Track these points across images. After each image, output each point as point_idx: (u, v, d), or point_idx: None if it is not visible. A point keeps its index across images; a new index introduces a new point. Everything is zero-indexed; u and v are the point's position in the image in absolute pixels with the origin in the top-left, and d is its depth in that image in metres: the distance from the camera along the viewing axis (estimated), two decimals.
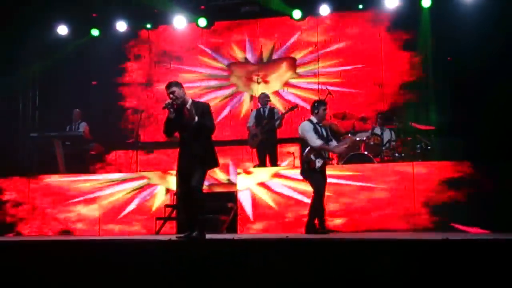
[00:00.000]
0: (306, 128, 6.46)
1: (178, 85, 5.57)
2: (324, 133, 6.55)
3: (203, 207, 5.61)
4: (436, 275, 4.16)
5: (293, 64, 10.52)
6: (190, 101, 5.57)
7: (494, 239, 4.44)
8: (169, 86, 5.55)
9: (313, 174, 6.39)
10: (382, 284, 4.26)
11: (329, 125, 8.72)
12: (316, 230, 6.26)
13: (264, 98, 8.92)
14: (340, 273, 4.41)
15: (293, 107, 8.80)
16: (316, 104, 6.63)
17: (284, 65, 10.56)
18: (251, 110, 8.98)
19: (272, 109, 8.84)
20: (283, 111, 9.10)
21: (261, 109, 8.80)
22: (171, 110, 5.45)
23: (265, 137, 8.52)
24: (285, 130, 9.09)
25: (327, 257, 4.51)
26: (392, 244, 4.70)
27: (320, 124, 6.57)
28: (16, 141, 10.59)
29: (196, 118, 5.43)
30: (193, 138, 5.49)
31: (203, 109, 5.57)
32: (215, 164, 5.69)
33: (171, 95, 5.48)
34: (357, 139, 8.19)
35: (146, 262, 4.79)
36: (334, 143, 6.62)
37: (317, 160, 6.32)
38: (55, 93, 10.67)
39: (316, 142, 6.36)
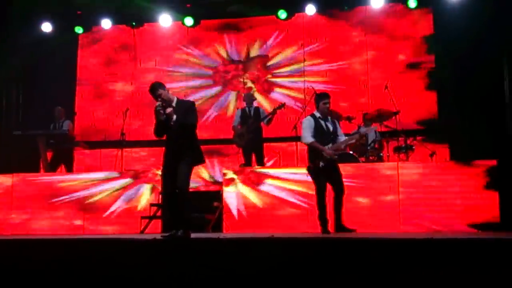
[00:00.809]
0: (303, 124, 6.35)
1: (162, 86, 5.63)
2: (331, 127, 6.36)
3: (189, 206, 5.61)
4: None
5: (278, 63, 10.53)
6: (175, 99, 5.66)
7: (479, 239, 4.48)
8: (153, 89, 5.59)
9: (317, 172, 6.26)
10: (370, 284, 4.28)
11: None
12: (340, 228, 6.27)
13: (249, 98, 8.90)
14: (328, 271, 4.42)
15: (281, 105, 8.80)
16: (316, 98, 6.49)
17: (268, 64, 10.57)
18: (236, 109, 8.97)
19: (257, 109, 8.83)
20: (269, 110, 9.08)
21: (246, 109, 8.78)
22: (162, 112, 5.51)
23: (252, 137, 8.50)
24: (271, 129, 9.09)
25: (313, 256, 4.53)
26: (378, 243, 4.73)
27: (327, 118, 6.39)
28: None
29: (175, 117, 5.51)
30: (177, 136, 5.55)
31: (187, 107, 5.64)
32: (200, 160, 5.72)
33: (158, 98, 5.55)
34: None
35: (131, 262, 4.77)
36: (342, 138, 6.44)
37: (322, 159, 6.20)
38: (39, 91, 10.59)
39: (307, 140, 6.27)
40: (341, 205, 6.31)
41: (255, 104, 8.93)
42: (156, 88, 5.58)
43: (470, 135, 8.77)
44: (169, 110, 5.53)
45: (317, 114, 6.37)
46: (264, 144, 8.89)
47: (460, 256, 4.17)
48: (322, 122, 6.32)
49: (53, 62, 10.56)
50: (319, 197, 6.25)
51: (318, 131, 6.30)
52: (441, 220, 6.92)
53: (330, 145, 6.30)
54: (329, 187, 6.34)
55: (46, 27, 10.44)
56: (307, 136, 6.28)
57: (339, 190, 6.33)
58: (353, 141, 6.65)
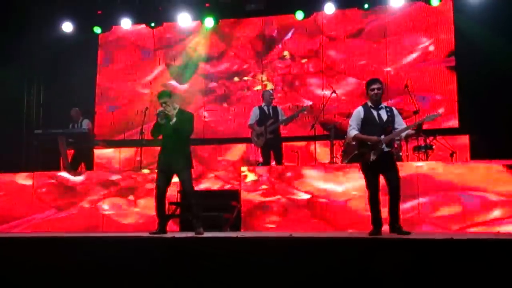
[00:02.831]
0: (352, 116, 5.86)
1: (169, 95, 6.29)
2: (385, 117, 5.72)
3: (198, 205, 6.23)
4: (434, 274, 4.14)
5: (299, 62, 10.50)
6: (177, 108, 6.25)
7: (495, 239, 4.42)
8: (161, 96, 6.22)
9: (366, 167, 5.74)
10: (384, 283, 4.24)
11: (333, 124, 8.72)
12: (394, 229, 5.62)
13: (269, 96, 8.80)
14: (344, 271, 4.39)
15: (304, 108, 8.75)
16: (366, 85, 5.86)
17: (289, 63, 10.55)
18: (253, 107, 8.94)
19: (275, 108, 8.75)
20: (292, 111, 8.99)
21: (265, 108, 8.70)
22: (162, 116, 6.11)
23: (271, 137, 8.47)
24: (290, 128, 9.05)
25: (332, 256, 4.50)
26: (396, 243, 4.69)
27: (381, 107, 5.75)
28: (20, 138, 10.64)
29: (174, 119, 6.10)
30: (175, 139, 6.16)
31: (186, 117, 6.26)
32: (191, 165, 6.29)
33: (163, 104, 6.12)
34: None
35: (147, 260, 4.79)
36: (399, 128, 5.72)
37: (371, 152, 5.64)
38: (60, 90, 10.71)
39: (349, 133, 5.81)
40: (396, 205, 5.66)
41: (273, 103, 8.87)
42: (163, 96, 6.21)
43: (491, 135, 8.66)
44: (170, 112, 6.09)
45: (369, 104, 5.79)
46: (283, 144, 8.85)
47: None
48: (374, 112, 5.73)
49: (73, 61, 10.65)
50: (369, 195, 5.71)
51: (368, 122, 5.73)
52: (460, 220, 6.84)
53: (382, 136, 5.65)
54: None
55: (67, 26, 10.53)
56: (350, 129, 5.79)
57: (392, 187, 5.65)
58: (411, 132, 5.80)
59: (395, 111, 5.83)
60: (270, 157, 8.54)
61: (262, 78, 10.49)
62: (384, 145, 5.64)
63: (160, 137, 6.32)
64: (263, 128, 8.47)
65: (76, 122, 9.23)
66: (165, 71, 11.07)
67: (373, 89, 5.73)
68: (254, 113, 8.71)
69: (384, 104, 5.88)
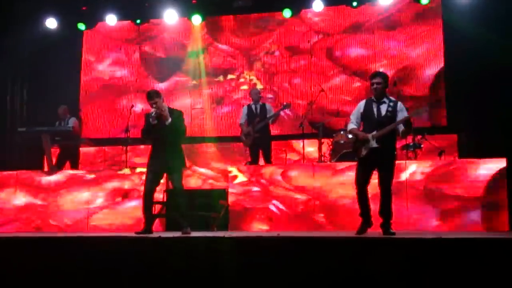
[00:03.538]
0: (354, 110, 5.78)
1: (159, 95, 6.18)
2: (383, 111, 5.56)
3: (186, 206, 6.22)
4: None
5: (287, 59, 10.43)
6: (166, 107, 6.18)
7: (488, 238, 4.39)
8: (150, 97, 6.13)
9: (358, 163, 5.70)
10: (376, 283, 4.20)
11: (322, 122, 8.66)
12: (381, 228, 5.53)
13: (256, 94, 8.74)
14: (332, 271, 4.34)
15: (287, 105, 8.70)
16: (369, 78, 5.78)
17: (276, 60, 10.48)
18: (242, 106, 8.86)
19: (263, 106, 8.69)
20: (276, 108, 8.95)
21: (253, 106, 8.63)
22: (154, 117, 6.04)
23: (258, 135, 8.39)
24: (277, 127, 8.99)
25: (318, 255, 4.45)
26: (386, 242, 4.65)
27: (383, 101, 5.60)
28: (3, 136, 10.47)
29: (170, 119, 6.07)
30: (167, 139, 6.10)
31: (177, 115, 6.19)
32: (185, 164, 6.34)
33: (154, 105, 6.06)
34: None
35: (133, 260, 4.72)
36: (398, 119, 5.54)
37: (363, 148, 5.55)
38: (44, 87, 10.55)
39: (347, 126, 5.81)
40: (384, 204, 5.53)
41: (261, 101, 8.80)
42: (152, 96, 6.11)
43: (480, 134, 8.66)
44: (164, 113, 6.06)
45: (373, 97, 5.68)
46: (272, 142, 8.77)
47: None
48: (375, 106, 5.59)
49: (57, 58, 10.49)
50: (356, 190, 5.64)
51: (367, 116, 5.64)
52: (449, 219, 6.80)
53: (374, 132, 5.53)
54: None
55: (51, 23, 10.36)
56: (350, 123, 5.75)
57: (381, 187, 5.54)
58: (404, 129, 5.55)
59: (400, 106, 5.61)
60: (258, 156, 8.47)
61: (249, 76, 10.39)
62: (373, 141, 5.51)
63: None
64: (250, 127, 8.41)
65: (63, 120, 9.08)
66: (149, 67, 10.93)
67: (372, 84, 5.63)
68: (243, 112, 8.68)
69: (390, 98, 5.69)
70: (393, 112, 5.57)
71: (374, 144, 5.51)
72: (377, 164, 5.57)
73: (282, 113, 9.13)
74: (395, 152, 5.72)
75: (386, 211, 5.56)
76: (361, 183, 5.62)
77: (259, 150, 8.45)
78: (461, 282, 4.03)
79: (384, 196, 5.56)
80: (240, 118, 8.76)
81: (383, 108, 5.58)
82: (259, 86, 10.23)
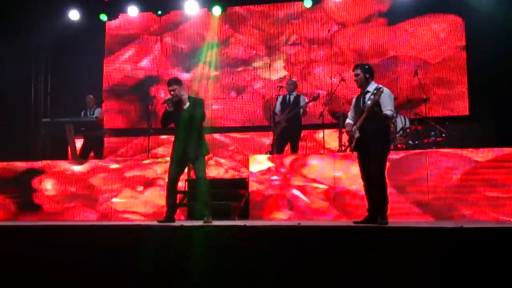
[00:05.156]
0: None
1: (178, 82, 6.24)
2: (366, 99, 5.62)
3: (209, 194, 6.24)
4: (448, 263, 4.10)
5: (308, 49, 10.40)
6: (186, 95, 6.19)
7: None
8: (170, 83, 6.20)
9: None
10: (391, 273, 4.21)
11: (342, 112, 8.64)
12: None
13: (290, 85, 8.85)
14: (351, 261, 4.36)
15: (316, 97, 8.73)
16: None
17: (297, 50, 10.46)
18: (277, 96, 8.92)
19: (297, 96, 8.74)
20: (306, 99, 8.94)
21: (287, 96, 8.73)
22: (170, 104, 6.12)
23: (288, 125, 8.44)
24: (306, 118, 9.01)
25: (339, 245, 4.47)
26: (403, 232, 4.65)
27: (365, 92, 5.65)
28: (28, 127, 10.65)
29: (187, 104, 6.11)
30: (186, 127, 6.12)
31: (197, 103, 6.22)
32: (207, 152, 6.29)
33: (172, 92, 6.12)
34: None
35: (155, 248, 4.79)
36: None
37: (353, 140, 5.63)
38: (67, 78, 10.69)
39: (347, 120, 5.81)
40: (371, 194, 5.59)
41: (296, 92, 8.82)
42: (172, 83, 6.17)
43: (501, 124, 8.55)
44: (178, 99, 6.09)
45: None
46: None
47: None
48: (361, 97, 5.67)
49: (80, 49, 10.62)
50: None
51: (355, 108, 5.75)
52: (471, 209, 6.77)
53: (358, 123, 5.58)
54: None
55: (74, 14, 10.47)
56: (349, 115, 5.85)
57: (363, 176, 5.65)
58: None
59: (382, 95, 5.41)
60: (283, 146, 8.51)
61: (269, 66, 10.40)
62: (356, 132, 5.55)
63: (172, 125, 6.29)
64: (282, 116, 8.49)
65: (89, 109, 9.20)
66: (170, 58, 11.00)
67: (354, 75, 5.72)
68: (278, 101, 8.81)
69: (376, 86, 5.61)
70: (374, 101, 5.46)
71: (357, 133, 5.56)
72: (363, 154, 5.59)
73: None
74: (379, 138, 5.53)
75: (373, 200, 5.54)
76: (361, 176, 5.70)
77: (287, 139, 8.50)
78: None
79: (371, 186, 5.54)
80: (274, 107, 8.86)
81: (366, 98, 5.59)
82: (275, 76, 10.19)
